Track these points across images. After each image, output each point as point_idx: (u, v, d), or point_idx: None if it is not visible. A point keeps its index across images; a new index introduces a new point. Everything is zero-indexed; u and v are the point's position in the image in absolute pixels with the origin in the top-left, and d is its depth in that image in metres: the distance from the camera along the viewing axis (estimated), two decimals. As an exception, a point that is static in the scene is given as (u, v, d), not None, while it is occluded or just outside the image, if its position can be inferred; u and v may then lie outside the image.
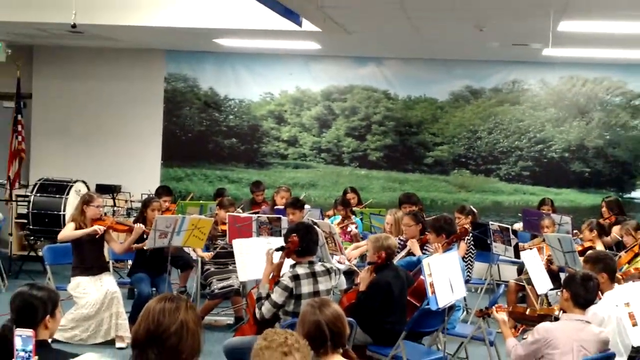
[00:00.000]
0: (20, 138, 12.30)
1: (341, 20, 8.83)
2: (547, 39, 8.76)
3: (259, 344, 3.23)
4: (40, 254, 9.75)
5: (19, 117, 12.38)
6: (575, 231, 9.93)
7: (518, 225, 10.93)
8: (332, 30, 9.38)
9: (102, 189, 12.20)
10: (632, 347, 5.46)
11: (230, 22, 9.38)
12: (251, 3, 7.37)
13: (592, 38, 9.28)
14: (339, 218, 10.10)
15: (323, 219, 9.70)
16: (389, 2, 7.55)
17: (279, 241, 6.49)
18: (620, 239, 9.00)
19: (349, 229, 9.82)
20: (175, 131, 13.41)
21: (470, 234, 9.47)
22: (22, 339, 3.32)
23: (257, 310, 5.89)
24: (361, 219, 10.45)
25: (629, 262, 8.05)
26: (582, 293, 5.41)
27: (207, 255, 8.80)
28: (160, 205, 8.95)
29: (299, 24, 8.55)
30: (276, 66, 13.14)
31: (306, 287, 5.83)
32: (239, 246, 6.96)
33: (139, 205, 10.06)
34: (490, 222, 9.81)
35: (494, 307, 6.02)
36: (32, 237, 11.42)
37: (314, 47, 11.70)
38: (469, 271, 9.14)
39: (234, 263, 7.37)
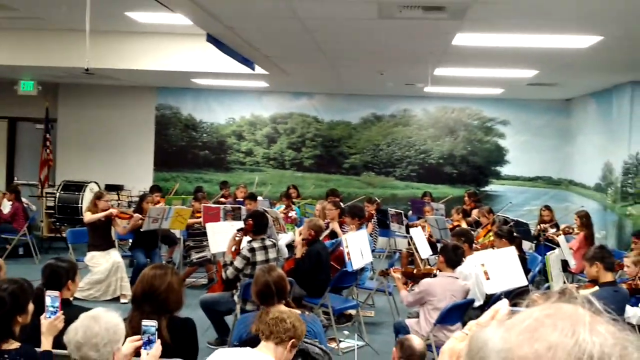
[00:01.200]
0: (48, 151, 12.26)
1: (282, 65, 8.82)
2: (427, 80, 8.89)
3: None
4: (64, 235, 9.57)
5: (48, 135, 12.28)
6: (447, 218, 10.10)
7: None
8: (276, 73, 9.37)
9: (110, 188, 12.11)
10: (486, 294, 5.55)
11: (203, 67, 9.27)
12: (218, 53, 7.32)
13: (458, 80, 9.44)
14: (283, 207, 10.08)
15: (271, 207, 9.68)
16: (317, 53, 7.58)
17: (240, 224, 6.46)
18: (478, 219, 9.16)
19: (290, 215, 9.81)
20: (164, 145, 13.21)
21: (375, 217, 9.55)
22: (51, 298, 3.27)
23: (223, 274, 5.85)
24: (299, 207, 10.46)
25: (484, 236, 8.18)
26: (452, 257, 5.50)
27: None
28: (153, 199, 8.85)
29: (253, 69, 8.50)
30: (237, 98, 13.04)
31: (259, 257, 5.82)
32: (211, 228, 6.89)
33: (137, 199, 9.89)
34: (389, 209, 9.91)
35: (391, 269, 6.09)
36: (57, 223, 11.18)
37: (264, 85, 11.66)
38: (374, 243, 9.22)
39: (207, 240, 7.31)
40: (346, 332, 6.68)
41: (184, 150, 13.24)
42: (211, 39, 6.74)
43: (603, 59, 7.13)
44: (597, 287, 4.91)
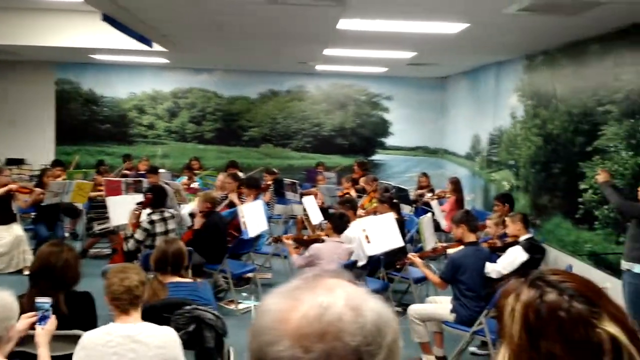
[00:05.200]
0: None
1: (179, 44, 8.59)
2: (318, 59, 8.97)
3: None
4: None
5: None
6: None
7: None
8: (174, 50, 9.11)
9: (11, 162, 11.43)
10: (368, 255, 5.75)
11: (101, 43, 8.88)
12: (116, 30, 7.01)
13: (346, 60, 9.58)
14: (185, 178, 9.91)
15: (173, 179, 9.50)
16: (213, 33, 7.44)
17: (141, 197, 6.32)
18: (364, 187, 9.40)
19: (192, 186, 9.67)
20: (65, 119, 12.60)
21: (272, 187, 9.61)
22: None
23: (124, 245, 5.72)
24: (201, 179, 10.33)
25: (369, 202, 8.43)
26: (338, 224, 5.66)
27: None
28: (54, 173, 8.43)
29: (150, 46, 8.22)
30: (138, 73, 12.60)
31: (159, 228, 5.73)
32: (112, 201, 6.69)
33: (38, 173, 9.40)
34: (284, 179, 10.00)
35: (283, 236, 6.16)
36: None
37: (164, 61, 11.31)
38: (271, 211, 9.29)
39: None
40: (244, 294, 6.75)
41: (85, 124, 12.68)
42: (107, 18, 6.45)
43: (471, 43, 7.47)
44: (462, 247, 5.23)
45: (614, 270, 5.66)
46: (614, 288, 5.41)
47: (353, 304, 0.83)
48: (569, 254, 6.75)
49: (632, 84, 5.72)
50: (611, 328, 1.06)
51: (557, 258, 6.98)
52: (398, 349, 0.87)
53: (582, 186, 6.57)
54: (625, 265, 4.95)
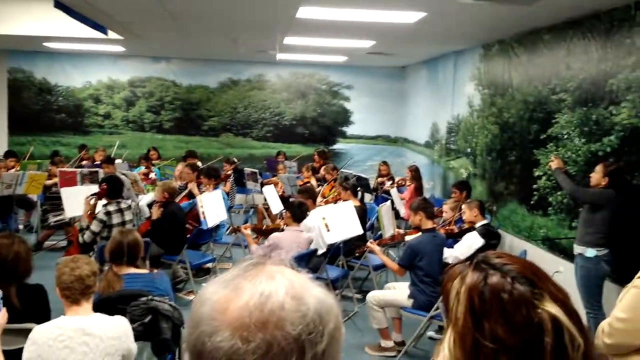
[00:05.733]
0: None
1: (136, 31, 8.41)
2: (277, 48, 8.90)
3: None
4: None
5: None
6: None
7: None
8: (131, 38, 8.91)
9: (-39, 153, 10.95)
10: (328, 244, 5.77)
11: (55, 31, 8.61)
12: (70, 17, 6.81)
13: (306, 48, 9.53)
14: (142, 169, 9.76)
15: (130, 170, 9.34)
16: (170, 21, 7.30)
17: (96, 188, 6.19)
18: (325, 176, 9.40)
19: (150, 176, 9.53)
20: (18, 109, 12.17)
21: (233, 176, 9.54)
22: None
23: (80, 238, 5.61)
24: (159, 169, 10.18)
25: (330, 191, 8.45)
26: (297, 213, 5.66)
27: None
28: (7, 164, 8.20)
29: (106, 34, 8.03)
30: (94, 62, 12.27)
31: (115, 219, 5.63)
32: (66, 192, 6.54)
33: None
34: (245, 168, 9.95)
35: (242, 226, 6.13)
36: None
37: (120, 49, 11.05)
38: (231, 201, 9.23)
39: (64, 204, 6.93)
40: (204, 285, 6.69)
41: (39, 114, 12.29)
42: (59, 5, 6.25)
43: (428, 33, 7.52)
44: (420, 233, 5.29)
45: (567, 254, 5.81)
46: (567, 272, 5.56)
47: (294, 292, 0.82)
48: (524, 239, 6.91)
49: (584, 72, 5.86)
50: (552, 308, 1.08)
51: (512, 243, 7.13)
52: (341, 336, 0.86)
53: (537, 173, 6.71)
54: (577, 249, 5.09)
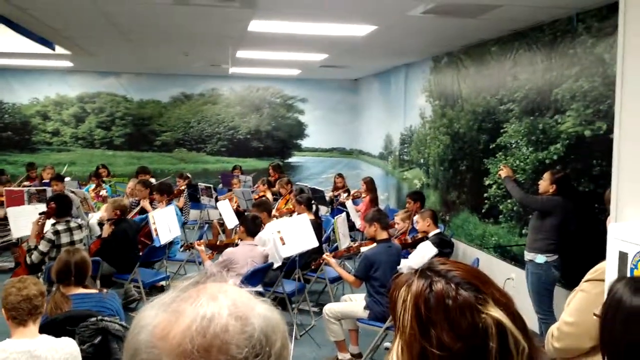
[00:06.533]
0: None
1: (84, 46, 8.24)
2: (229, 62, 8.86)
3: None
4: None
5: None
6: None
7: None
8: (79, 52, 8.73)
9: None
10: (283, 257, 5.75)
11: (-2, 46, 8.38)
12: (14, 33, 6.62)
13: (259, 62, 9.52)
14: (93, 186, 9.53)
15: (80, 187, 9.10)
16: (118, 35, 7.19)
17: (44, 207, 6.01)
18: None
19: (100, 193, 9.31)
20: (-40, 127, 11.79)
21: (186, 192, 9.41)
22: None
23: (28, 258, 5.42)
24: (110, 186, 9.96)
25: (284, 205, 8.43)
26: (251, 227, 5.62)
27: None
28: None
29: (53, 49, 7.84)
30: (41, 78, 11.95)
31: (64, 239, 5.47)
32: (12, 212, 6.32)
33: None
34: (199, 183, 9.84)
35: (195, 242, 6.03)
36: None
37: (68, 64, 10.80)
38: (185, 217, 9.10)
39: (10, 224, 6.69)
40: (140, 309, 6.55)
41: (-17, 132, 11.91)
42: (3, 20, 6.08)
43: (379, 45, 7.62)
44: (375, 244, 5.32)
45: (519, 261, 5.94)
46: (518, 278, 5.68)
47: (238, 312, 0.79)
48: (476, 248, 7.03)
49: (530, 82, 6.03)
50: (496, 313, 1.10)
51: (465, 252, 7.25)
52: (288, 354, 0.84)
53: (487, 182, 6.85)
54: (528, 256, 5.20)
